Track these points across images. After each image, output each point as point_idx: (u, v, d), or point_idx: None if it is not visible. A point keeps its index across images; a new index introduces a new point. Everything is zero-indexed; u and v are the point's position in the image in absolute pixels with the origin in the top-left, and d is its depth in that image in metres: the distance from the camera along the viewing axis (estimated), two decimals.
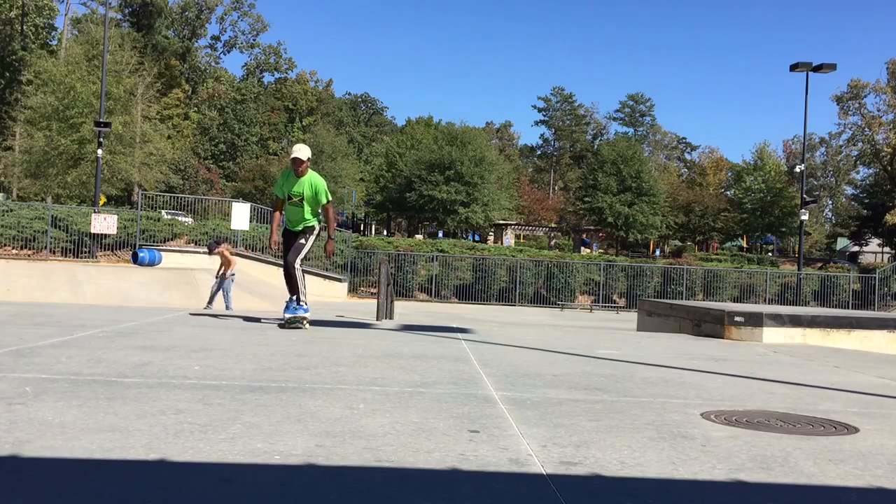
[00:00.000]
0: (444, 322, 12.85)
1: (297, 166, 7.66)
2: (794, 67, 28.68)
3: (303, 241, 7.80)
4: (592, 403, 4.18)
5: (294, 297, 7.79)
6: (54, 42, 62.81)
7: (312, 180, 7.72)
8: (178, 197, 36.74)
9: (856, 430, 3.76)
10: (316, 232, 7.93)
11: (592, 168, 56.99)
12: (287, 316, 7.69)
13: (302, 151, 7.67)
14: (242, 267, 23.64)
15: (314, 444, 2.97)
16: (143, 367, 4.68)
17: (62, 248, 27.21)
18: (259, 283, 23.03)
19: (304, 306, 7.76)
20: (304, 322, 7.75)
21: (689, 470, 2.87)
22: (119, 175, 37.27)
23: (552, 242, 61.09)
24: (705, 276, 34.65)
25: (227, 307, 15.23)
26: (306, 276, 8.03)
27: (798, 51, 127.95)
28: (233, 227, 26.49)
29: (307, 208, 7.79)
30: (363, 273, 31.03)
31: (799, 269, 33.39)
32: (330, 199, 7.85)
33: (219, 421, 3.29)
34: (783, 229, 60.32)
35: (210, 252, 16.54)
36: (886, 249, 61.36)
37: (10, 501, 2.19)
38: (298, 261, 7.73)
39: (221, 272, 16.01)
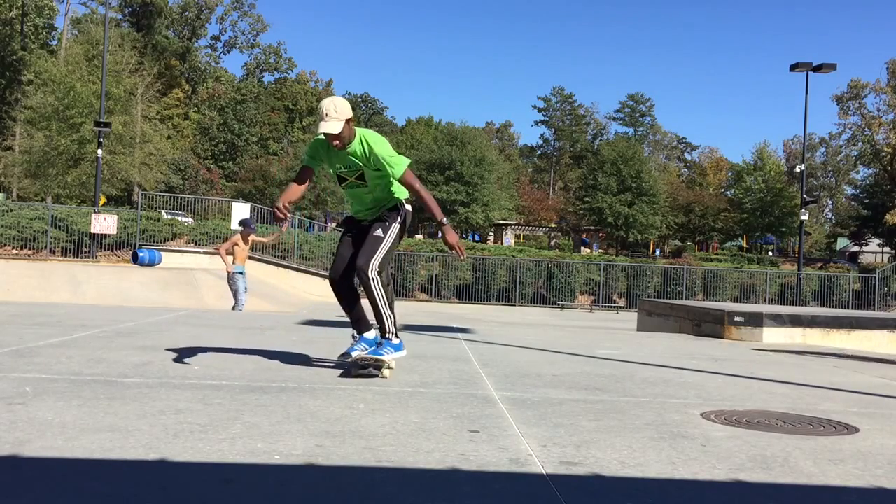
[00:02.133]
0: (444, 322, 12.86)
1: (334, 143, 4.51)
2: (794, 67, 28.70)
3: (379, 231, 4.63)
4: (592, 403, 4.18)
5: (361, 331, 4.86)
6: (54, 42, 62.83)
7: (365, 149, 4.54)
8: (178, 197, 36.75)
9: (856, 430, 3.76)
10: (403, 215, 4.76)
11: (592, 168, 57.01)
12: (357, 354, 4.74)
13: (331, 124, 4.40)
14: None
15: (314, 444, 2.97)
16: (143, 367, 4.68)
17: (62, 248, 27.23)
18: (260, 283, 23.02)
19: (393, 341, 4.69)
20: (383, 366, 4.65)
21: (689, 470, 2.87)
22: (119, 175, 37.32)
23: (552, 242, 61.09)
24: (705, 276, 34.66)
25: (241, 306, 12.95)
26: (385, 287, 4.65)
27: (798, 51, 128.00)
28: (233, 227, 26.52)
29: (377, 183, 4.65)
30: None
31: (799, 269, 33.39)
32: (405, 165, 4.56)
33: (219, 421, 3.29)
34: (783, 229, 60.33)
35: (247, 229, 13.07)
36: (886, 249, 61.37)
37: (9, 501, 2.19)
38: (374, 266, 4.53)
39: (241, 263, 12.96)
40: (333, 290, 4.79)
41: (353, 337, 4.89)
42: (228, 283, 12.91)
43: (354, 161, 4.60)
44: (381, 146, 4.55)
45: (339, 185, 4.76)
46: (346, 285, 4.76)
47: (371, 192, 4.71)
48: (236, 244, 12.75)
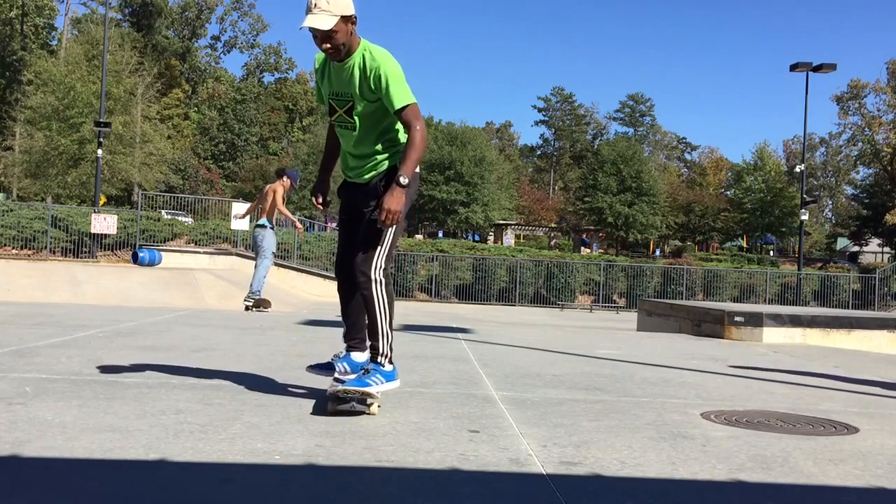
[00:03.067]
0: (444, 322, 12.85)
1: (323, 45, 3.40)
2: (794, 67, 28.71)
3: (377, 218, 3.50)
4: (592, 403, 4.18)
5: (351, 345, 3.87)
6: (54, 42, 62.94)
7: (366, 63, 3.45)
8: (178, 197, 36.75)
9: (856, 430, 3.76)
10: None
11: (592, 168, 57.08)
12: (336, 387, 3.56)
13: (319, 18, 3.31)
14: (241, 267, 23.68)
15: (314, 444, 2.97)
16: (143, 367, 4.67)
17: (62, 248, 27.22)
18: None
19: (385, 367, 3.62)
20: (372, 401, 3.57)
21: (689, 470, 2.87)
22: (119, 175, 37.38)
23: (552, 242, 61.10)
24: (705, 276, 34.64)
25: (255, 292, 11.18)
26: (389, 296, 3.62)
27: (798, 51, 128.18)
28: (233, 226, 26.51)
29: (368, 127, 3.56)
30: None
31: (799, 269, 33.40)
32: (413, 100, 3.45)
33: (219, 421, 3.29)
34: (783, 229, 60.37)
35: (289, 179, 11.15)
36: (886, 249, 61.39)
37: (10, 501, 2.19)
38: (378, 264, 3.56)
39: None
40: (337, 282, 3.94)
41: (340, 353, 3.86)
42: (257, 239, 11.14)
43: (350, 84, 3.49)
44: (390, 64, 3.42)
45: (330, 119, 3.72)
46: (348, 279, 3.73)
47: (359, 138, 3.58)
48: (275, 191, 10.96)
